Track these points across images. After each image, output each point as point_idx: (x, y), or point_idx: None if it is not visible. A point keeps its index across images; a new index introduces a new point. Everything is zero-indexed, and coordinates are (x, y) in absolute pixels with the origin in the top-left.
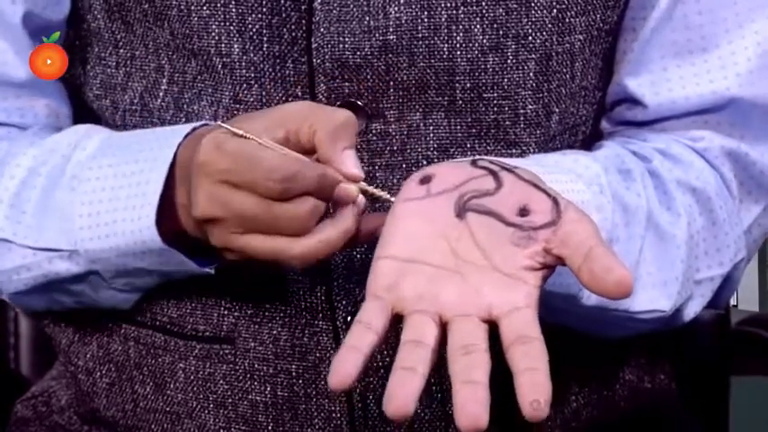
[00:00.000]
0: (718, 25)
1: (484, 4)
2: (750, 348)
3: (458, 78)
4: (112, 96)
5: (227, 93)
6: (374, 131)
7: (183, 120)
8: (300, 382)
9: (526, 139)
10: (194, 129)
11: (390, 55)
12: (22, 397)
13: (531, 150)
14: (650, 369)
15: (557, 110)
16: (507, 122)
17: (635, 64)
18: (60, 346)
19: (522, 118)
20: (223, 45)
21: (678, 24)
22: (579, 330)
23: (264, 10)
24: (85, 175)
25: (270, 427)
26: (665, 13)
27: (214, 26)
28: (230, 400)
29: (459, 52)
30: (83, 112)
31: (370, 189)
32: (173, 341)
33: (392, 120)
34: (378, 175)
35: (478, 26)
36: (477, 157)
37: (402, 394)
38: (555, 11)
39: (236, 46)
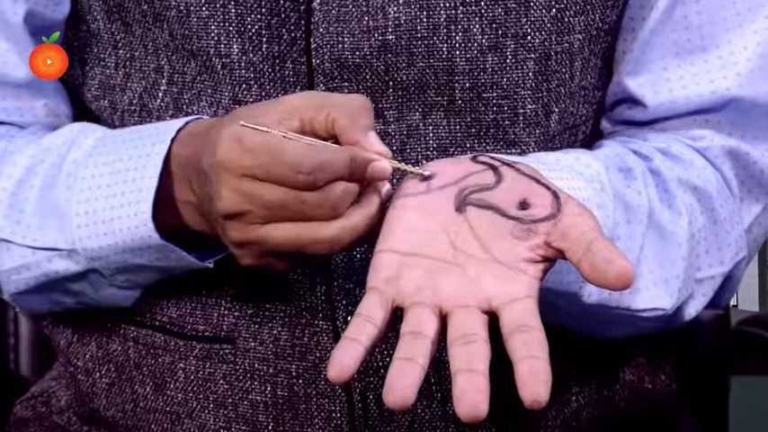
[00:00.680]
0: (717, 25)
1: (483, 3)
2: (750, 348)
3: (457, 78)
4: (111, 97)
5: (226, 93)
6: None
7: None
8: (300, 381)
9: (525, 138)
10: (187, 123)
11: (389, 55)
12: (21, 397)
13: (531, 150)
14: (651, 369)
15: (556, 109)
16: (506, 122)
17: (635, 64)
18: (59, 346)
19: (521, 118)
20: (222, 45)
21: (678, 25)
22: (580, 332)
23: (263, 10)
24: (81, 174)
25: (270, 427)
26: (665, 13)
27: (213, 27)
28: (230, 400)
29: (458, 52)
30: (81, 113)
31: (401, 165)
32: (172, 341)
33: (391, 120)
34: None
35: (477, 26)
36: (477, 152)
37: (402, 384)
38: (554, 10)
39: (235, 46)
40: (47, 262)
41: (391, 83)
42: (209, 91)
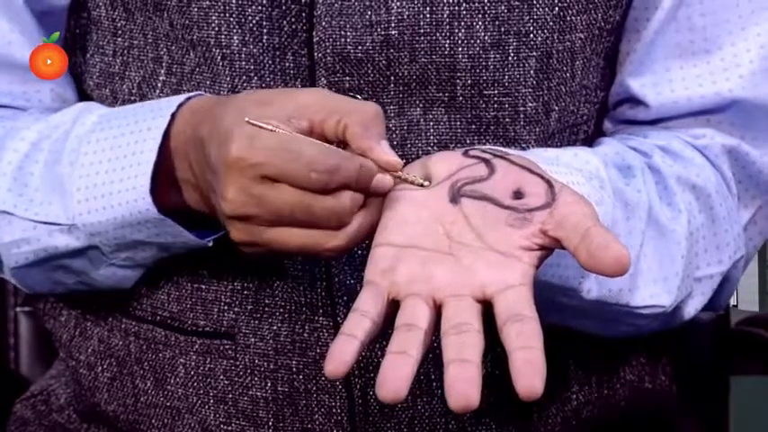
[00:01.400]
0: (720, 27)
1: (486, 0)
2: (750, 348)
3: (458, 74)
4: (111, 86)
5: (225, 85)
6: None
7: None
8: (301, 377)
9: (525, 136)
10: (189, 98)
11: (392, 50)
12: (21, 397)
13: (531, 147)
14: (651, 369)
15: (556, 108)
16: (507, 119)
17: (638, 65)
18: (62, 341)
19: (521, 115)
20: (222, 36)
21: (681, 26)
22: (580, 331)
23: (264, 2)
24: (83, 149)
25: (270, 423)
26: (669, 14)
27: (214, 17)
28: (231, 396)
29: (460, 48)
30: (84, 101)
31: (405, 176)
32: (173, 336)
33: (392, 115)
34: None
35: (480, 23)
36: (469, 147)
37: (394, 377)
38: (556, 9)
39: (235, 37)
40: (47, 236)
41: (393, 78)
42: (209, 82)
